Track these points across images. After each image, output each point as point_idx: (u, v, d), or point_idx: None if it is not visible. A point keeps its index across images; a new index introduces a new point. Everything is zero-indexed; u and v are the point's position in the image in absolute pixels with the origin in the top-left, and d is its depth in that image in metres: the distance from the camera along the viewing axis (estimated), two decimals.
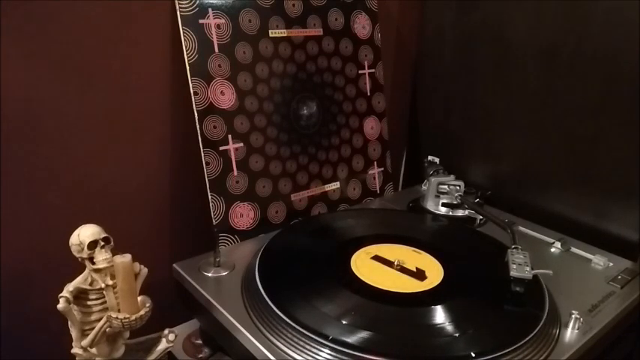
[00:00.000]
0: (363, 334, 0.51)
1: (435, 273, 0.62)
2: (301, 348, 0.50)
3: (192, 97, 0.66)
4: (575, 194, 0.79)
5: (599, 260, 0.69)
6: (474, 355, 0.49)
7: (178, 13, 0.65)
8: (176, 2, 0.65)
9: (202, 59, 0.67)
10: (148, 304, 0.53)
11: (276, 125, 0.75)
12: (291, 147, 0.77)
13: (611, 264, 0.69)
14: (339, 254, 0.65)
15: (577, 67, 0.75)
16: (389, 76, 0.94)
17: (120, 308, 0.51)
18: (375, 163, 0.87)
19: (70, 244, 0.51)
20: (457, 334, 0.52)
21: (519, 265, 0.59)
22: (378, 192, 0.88)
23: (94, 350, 0.53)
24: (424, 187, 0.87)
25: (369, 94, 0.85)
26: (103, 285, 0.52)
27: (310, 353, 0.50)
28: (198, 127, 0.67)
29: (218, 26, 0.68)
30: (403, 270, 0.62)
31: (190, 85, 0.66)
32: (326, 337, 0.50)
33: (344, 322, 0.52)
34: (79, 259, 0.51)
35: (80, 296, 0.51)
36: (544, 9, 0.77)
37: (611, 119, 0.73)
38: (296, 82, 0.77)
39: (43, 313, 0.61)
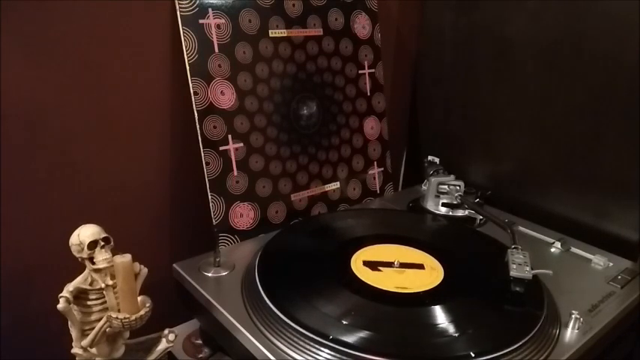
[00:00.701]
0: (363, 334, 0.51)
1: (435, 273, 0.62)
2: (301, 348, 0.50)
3: (192, 97, 0.66)
4: (575, 194, 0.79)
5: (599, 260, 0.69)
6: (473, 355, 0.49)
7: (178, 13, 0.65)
8: (176, 2, 0.65)
9: (202, 59, 0.67)
10: (148, 304, 0.53)
11: (276, 125, 0.75)
12: (291, 147, 0.77)
13: (611, 264, 0.69)
14: (339, 254, 0.65)
15: (577, 66, 0.75)
16: (389, 76, 0.94)
17: (120, 308, 0.51)
18: (375, 163, 0.87)
19: (70, 244, 0.51)
20: (457, 334, 0.52)
21: (519, 265, 0.59)
22: (378, 192, 0.88)
23: (94, 350, 0.53)
24: (424, 187, 0.87)
25: (369, 94, 0.85)
26: (103, 285, 0.52)
27: (310, 353, 0.50)
28: (198, 127, 0.67)
29: (218, 26, 0.68)
30: (404, 265, 0.62)
31: (190, 85, 0.66)
32: (326, 337, 0.50)
33: (344, 322, 0.52)
34: (79, 259, 0.51)
35: (80, 296, 0.51)
36: (544, 9, 0.77)
37: (611, 119, 0.73)
38: (296, 82, 0.77)
39: (43, 313, 0.61)
